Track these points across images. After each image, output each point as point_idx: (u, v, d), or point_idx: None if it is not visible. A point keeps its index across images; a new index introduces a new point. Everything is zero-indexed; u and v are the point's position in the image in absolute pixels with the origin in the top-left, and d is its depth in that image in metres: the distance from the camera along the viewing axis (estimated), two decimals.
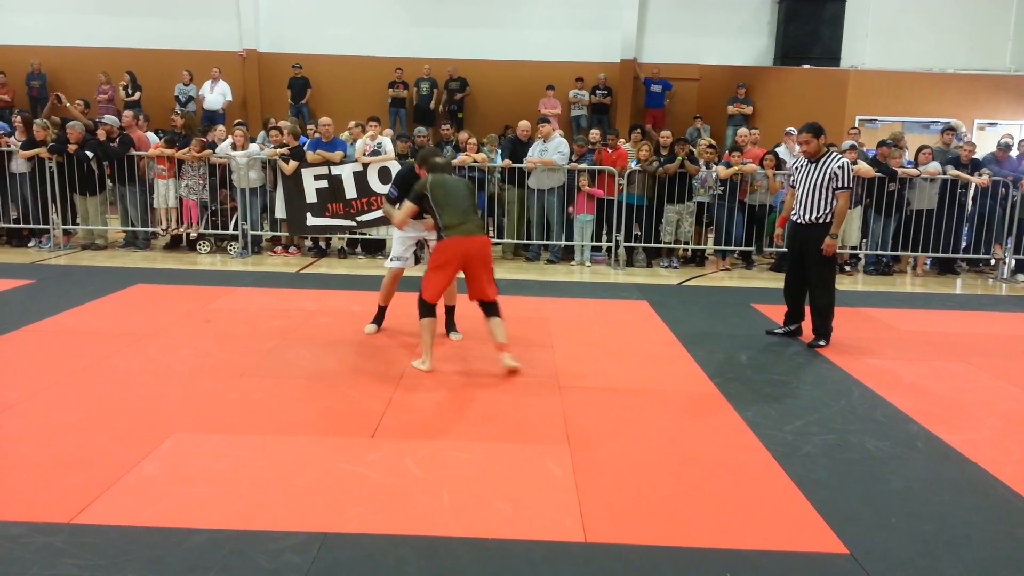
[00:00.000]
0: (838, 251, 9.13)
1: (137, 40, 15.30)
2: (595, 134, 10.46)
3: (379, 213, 9.73)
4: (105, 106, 14.24)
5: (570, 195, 9.91)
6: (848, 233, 9.74)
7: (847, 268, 10.00)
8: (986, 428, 4.59)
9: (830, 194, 6.09)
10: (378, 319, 6.38)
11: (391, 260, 6.24)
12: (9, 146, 9.96)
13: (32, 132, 9.92)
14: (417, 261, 6.28)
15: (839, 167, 6.05)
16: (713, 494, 3.61)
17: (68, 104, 10.83)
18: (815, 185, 6.12)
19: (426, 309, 5.33)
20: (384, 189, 9.64)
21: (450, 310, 6.29)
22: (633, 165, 9.82)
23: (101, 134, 9.78)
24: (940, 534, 3.31)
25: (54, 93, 11.29)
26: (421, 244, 6.19)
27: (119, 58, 14.91)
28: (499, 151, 10.30)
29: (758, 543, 3.19)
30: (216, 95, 14.53)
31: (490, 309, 5.37)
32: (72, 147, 9.64)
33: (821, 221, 6.13)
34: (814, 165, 6.17)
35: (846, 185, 6.07)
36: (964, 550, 3.19)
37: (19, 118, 10.35)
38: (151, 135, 10.79)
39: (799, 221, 6.27)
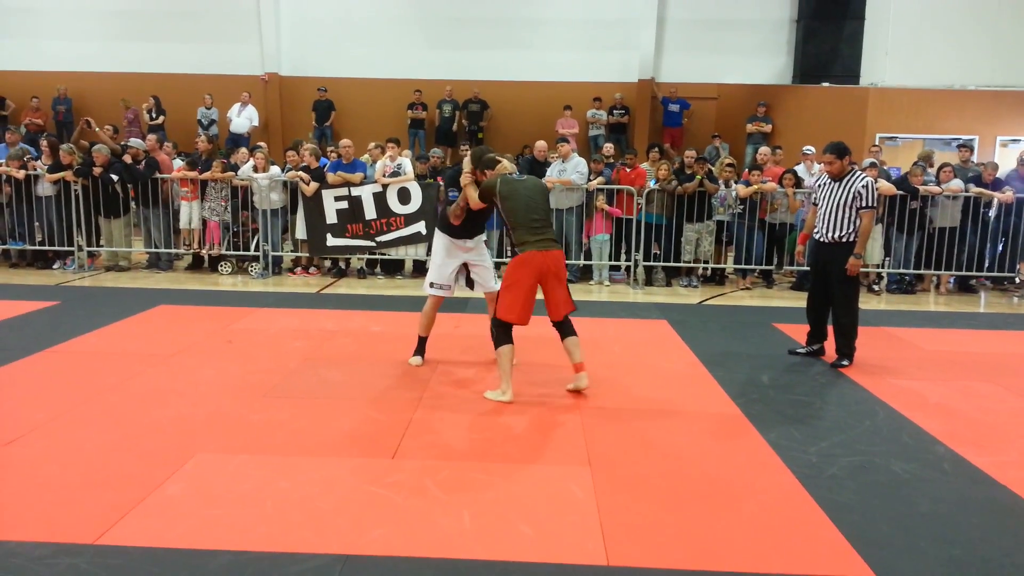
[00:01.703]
0: (864, 270, 9.08)
1: (161, 65, 15.56)
2: (609, 147, 10.46)
3: (398, 233, 9.80)
4: (128, 130, 14.46)
5: (588, 214, 9.91)
6: (871, 252, 9.67)
7: (875, 288, 9.89)
8: (1015, 450, 4.51)
9: (854, 213, 6.04)
10: (420, 350, 5.99)
11: (430, 286, 5.80)
12: (36, 169, 10.13)
13: (59, 156, 10.09)
14: (470, 286, 5.94)
15: (863, 186, 6.00)
16: (737, 517, 3.57)
17: (98, 129, 11.01)
18: (839, 203, 6.08)
19: (504, 335, 5.05)
20: (403, 210, 9.74)
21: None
22: (652, 184, 9.82)
23: (128, 158, 9.93)
24: (969, 558, 3.25)
25: (84, 118, 11.48)
26: (464, 267, 5.82)
27: (143, 83, 15.18)
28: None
29: (783, 567, 3.15)
30: (243, 119, 14.71)
31: (566, 329, 5.22)
32: (97, 170, 9.79)
33: (844, 240, 6.08)
34: (838, 183, 6.12)
35: (870, 204, 6.02)
36: (994, 575, 3.12)
37: (46, 142, 10.53)
38: (177, 161, 10.94)
39: (822, 240, 6.23)
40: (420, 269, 10.37)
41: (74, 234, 10.10)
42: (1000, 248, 10.07)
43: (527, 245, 4.97)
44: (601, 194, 9.74)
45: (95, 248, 10.30)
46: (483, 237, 5.88)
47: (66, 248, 10.19)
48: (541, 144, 10.43)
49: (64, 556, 3.10)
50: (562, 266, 5.13)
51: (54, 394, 5.07)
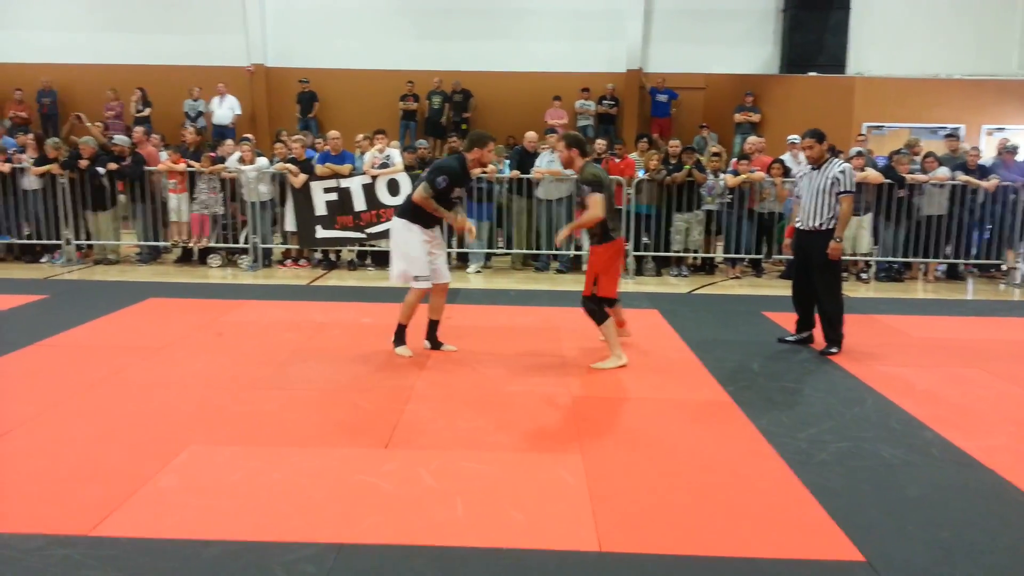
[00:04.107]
0: (850, 258, 9.15)
1: (146, 56, 15.41)
2: (601, 144, 10.48)
3: (388, 225, 9.73)
4: (113, 122, 14.34)
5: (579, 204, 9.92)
6: (859, 240, 9.73)
7: (864, 276, 9.95)
8: (1002, 434, 4.57)
9: (833, 199, 6.11)
10: (402, 339, 6.00)
11: (417, 279, 5.77)
12: (21, 163, 10.05)
13: (44, 149, 10.00)
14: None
15: (841, 171, 6.09)
16: (727, 502, 3.60)
17: (89, 124, 10.90)
18: (818, 191, 6.15)
19: (603, 311, 5.71)
20: (393, 201, 9.62)
21: (433, 324, 6.11)
22: (641, 174, 9.84)
23: (113, 165, 9.82)
24: (957, 541, 3.29)
25: (74, 113, 11.35)
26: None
27: (129, 74, 15.03)
28: (507, 161, 10.32)
29: (774, 551, 3.18)
30: (225, 109, 14.62)
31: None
32: (84, 163, 9.72)
33: (824, 227, 6.14)
34: (817, 171, 6.20)
35: (848, 189, 6.09)
36: (982, 557, 3.17)
37: (31, 136, 10.44)
38: (163, 155, 10.86)
39: (803, 228, 6.29)
40: None
41: (61, 228, 10.04)
42: (987, 236, 10.15)
43: (617, 231, 5.75)
44: None
45: (83, 242, 10.23)
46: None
47: (54, 242, 10.13)
48: (531, 135, 10.42)
49: (58, 547, 3.10)
50: None
51: (44, 387, 5.05)
